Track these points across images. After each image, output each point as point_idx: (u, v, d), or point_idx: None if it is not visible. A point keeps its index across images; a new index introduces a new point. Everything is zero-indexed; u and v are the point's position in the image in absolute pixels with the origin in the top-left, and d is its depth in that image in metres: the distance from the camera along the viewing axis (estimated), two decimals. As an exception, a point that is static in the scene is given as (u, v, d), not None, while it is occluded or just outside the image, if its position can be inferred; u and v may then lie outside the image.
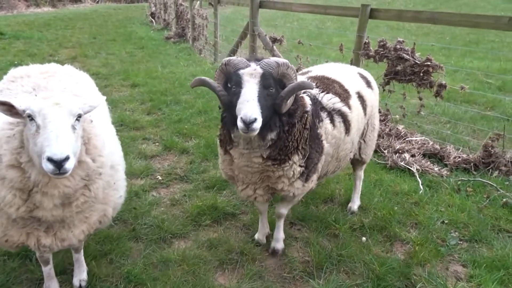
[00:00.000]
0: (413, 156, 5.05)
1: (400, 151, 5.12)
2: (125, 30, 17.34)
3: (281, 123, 2.70)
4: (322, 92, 3.23)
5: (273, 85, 2.60)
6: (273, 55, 7.73)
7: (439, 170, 4.80)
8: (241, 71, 2.58)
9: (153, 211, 3.99)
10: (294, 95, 2.73)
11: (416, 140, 5.37)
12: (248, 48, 8.96)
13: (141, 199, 4.17)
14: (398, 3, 24.36)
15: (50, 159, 1.93)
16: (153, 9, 21.02)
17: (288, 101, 2.67)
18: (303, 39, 7.64)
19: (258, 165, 2.82)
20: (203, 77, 2.73)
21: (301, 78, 3.33)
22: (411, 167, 4.82)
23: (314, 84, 3.21)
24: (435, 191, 4.42)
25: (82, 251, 3.03)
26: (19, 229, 2.38)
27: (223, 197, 4.26)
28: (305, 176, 3.03)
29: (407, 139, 5.41)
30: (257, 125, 2.43)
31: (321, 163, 3.14)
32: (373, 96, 3.79)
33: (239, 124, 2.43)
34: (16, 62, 9.97)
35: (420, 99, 5.54)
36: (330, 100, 3.19)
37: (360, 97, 3.53)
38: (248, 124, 2.39)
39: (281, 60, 2.67)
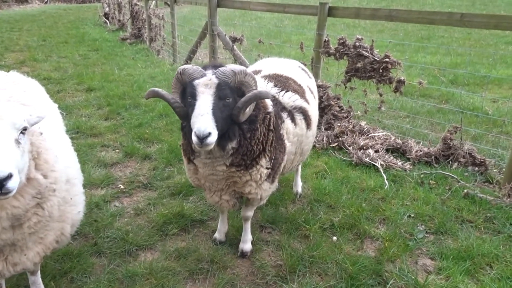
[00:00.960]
0: (376, 151, 5.12)
1: (364, 147, 5.18)
2: (77, 32, 16.61)
3: (241, 132, 2.62)
4: (282, 91, 3.19)
5: (230, 95, 2.50)
6: (234, 55, 7.65)
7: (402, 164, 4.90)
8: (195, 82, 2.47)
9: (116, 222, 3.79)
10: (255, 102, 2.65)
11: (378, 135, 5.46)
12: (208, 48, 8.80)
13: (103, 211, 3.95)
14: (352, 1, 24.94)
15: None
16: (107, 9, 20.28)
17: (247, 110, 2.58)
18: (262, 38, 7.58)
19: (222, 172, 2.76)
20: (156, 89, 2.59)
21: None
22: (376, 162, 4.88)
23: (271, 86, 3.22)
24: (400, 186, 4.49)
25: (38, 273, 2.81)
26: None
27: (190, 203, 4.12)
28: (271, 177, 3.01)
29: (370, 135, 5.48)
30: (212, 139, 2.34)
31: (284, 162, 3.14)
32: (315, 86, 4.01)
33: (193, 138, 2.34)
34: (-43, 68, 9.29)
35: (380, 95, 5.64)
36: (290, 98, 3.20)
37: (309, 90, 3.63)
38: (202, 139, 2.30)
39: (238, 68, 2.55)
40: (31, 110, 2.14)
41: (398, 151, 5.23)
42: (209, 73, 2.53)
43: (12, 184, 1.80)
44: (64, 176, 2.40)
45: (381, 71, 5.29)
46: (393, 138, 5.41)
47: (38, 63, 10.60)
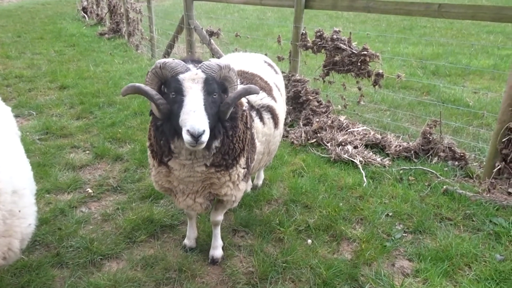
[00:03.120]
0: (355, 147, 5.00)
1: (343, 143, 5.05)
2: (54, 27, 16.12)
3: (224, 129, 2.47)
4: None
5: (217, 91, 2.35)
6: (211, 49, 7.43)
7: (381, 160, 4.78)
8: (181, 76, 2.30)
9: (80, 230, 3.59)
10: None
11: (357, 131, 5.33)
12: (185, 42, 8.56)
13: (68, 217, 3.75)
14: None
15: None
16: (85, 3, 19.75)
17: (233, 107, 2.46)
18: (244, 31, 7.43)
19: (201, 174, 2.59)
20: (137, 84, 2.37)
21: None
22: (354, 159, 4.76)
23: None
24: (378, 183, 4.38)
25: (-12, 291, 2.62)
26: None
27: (160, 207, 3.94)
28: (246, 177, 2.87)
29: (349, 130, 5.35)
30: (206, 137, 2.19)
31: (254, 162, 3.02)
32: (282, 82, 3.89)
33: (186, 137, 2.16)
34: None
35: (359, 88, 5.51)
36: (257, 96, 3.06)
37: (276, 87, 3.51)
38: (197, 137, 2.14)
39: (223, 62, 2.42)
40: None
41: (378, 147, 5.11)
42: (191, 66, 2.39)
43: None
44: (9, 187, 2.21)
45: (359, 64, 5.16)
46: (372, 133, 5.29)
47: (11, 60, 10.21)
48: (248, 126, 2.74)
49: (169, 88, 2.37)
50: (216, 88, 2.37)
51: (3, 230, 2.19)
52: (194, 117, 2.18)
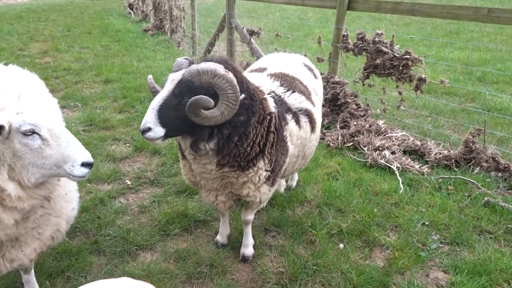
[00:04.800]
0: (393, 153, 4.89)
1: (380, 148, 4.95)
2: (101, 22, 16.76)
3: (220, 134, 2.46)
4: (288, 91, 3.04)
5: (189, 94, 2.32)
6: (251, 48, 7.48)
7: (419, 167, 4.65)
8: (169, 75, 2.43)
9: (118, 220, 3.74)
10: (233, 106, 2.39)
11: (396, 136, 5.21)
12: (226, 41, 8.66)
13: (107, 207, 3.91)
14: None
15: (86, 164, 2.03)
16: (131, 0, 20.40)
17: (210, 114, 2.34)
18: (284, 31, 7.41)
19: (214, 171, 2.64)
20: (149, 76, 2.62)
21: (256, 75, 3.18)
22: (391, 165, 4.66)
23: (277, 85, 3.07)
24: (415, 190, 4.26)
25: (32, 271, 2.77)
26: None
27: (194, 202, 4.03)
28: (271, 180, 2.88)
29: (387, 135, 5.24)
30: (152, 134, 2.29)
31: (286, 165, 3.01)
32: (320, 87, 3.85)
33: None
34: (-18, 58, 9.50)
35: (400, 93, 5.38)
36: (296, 99, 3.06)
37: (315, 91, 3.50)
38: (142, 132, 2.30)
39: (206, 68, 2.31)
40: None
41: (417, 153, 4.97)
42: (184, 68, 2.48)
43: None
44: None
45: (401, 68, 5.03)
46: (411, 139, 5.15)
47: (60, 53, 10.72)
48: (272, 130, 2.70)
49: None
50: (187, 92, 2.33)
51: (57, 210, 2.34)
52: (146, 114, 2.30)
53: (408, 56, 4.91)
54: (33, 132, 1.98)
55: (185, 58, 2.60)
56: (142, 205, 3.99)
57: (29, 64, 9.04)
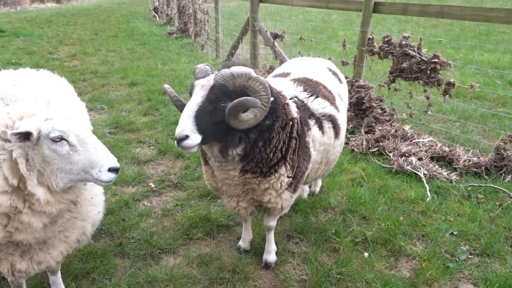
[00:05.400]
0: (420, 159, 4.76)
1: (406, 154, 4.84)
2: (127, 26, 17.10)
3: (247, 139, 2.45)
4: (311, 96, 3.00)
5: (225, 99, 2.34)
6: (274, 52, 7.47)
7: (447, 174, 4.51)
8: (196, 82, 2.41)
9: (142, 222, 3.77)
10: (265, 108, 2.41)
11: (423, 141, 5.08)
12: (249, 44, 8.68)
13: (131, 210, 3.96)
14: (406, -6, 23.77)
15: (112, 169, 2.06)
16: (156, 3, 20.72)
17: (246, 116, 2.36)
18: (307, 33, 7.37)
19: (237, 178, 2.63)
20: (165, 85, 2.60)
21: (280, 80, 3.15)
22: (418, 171, 4.54)
23: (300, 90, 3.05)
24: (443, 199, 4.14)
25: (59, 273, 2.82)
26: None
27: (217, 206, 4.03)
28: (293, 186, 2.85)
29: (414, 140, 5.11)
30: (190, 142, 2.24)
31: (308, 171, 2.97)
32: (345, 92, 3.81)
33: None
34: (13, 61, 9.82)
35: (427, 98, 5.25)
36: (320, 104, 3.03)
37: (340, 97, 3.45)
38: (178, 141, 2.23)
39: (240, 71, 2.35)
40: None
41: (444, 160, 4.83)
42: (211, 74, 2.47)
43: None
44: None
45: (428, 72, 4.91)
46: (439, 145, 5.01)
47: (88, 56, 10.98)
48: (294, 135, 2.67)
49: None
50: (223, 96, 2.34)
51: (83, 213, 2.37)
52: (181, 122, 2.26)
53: (436, 60, 4.79)
54: (61, 138, 2.01)
55: (207, 65, 2.58)
56: (165, 208, 4.02)
57: (58, 67, 9.28)
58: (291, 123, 2.63)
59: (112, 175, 2.08)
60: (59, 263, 2.51)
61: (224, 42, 11.10)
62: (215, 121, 2.32)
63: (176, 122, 6.04)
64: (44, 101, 2.65)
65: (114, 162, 2.08)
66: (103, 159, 2.07)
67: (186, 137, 2.22)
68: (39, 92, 2.70)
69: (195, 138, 2.25)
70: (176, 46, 12.40)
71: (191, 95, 2.41)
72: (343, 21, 16.19)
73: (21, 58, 10.26)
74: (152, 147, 5.40)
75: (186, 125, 2.24)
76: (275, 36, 7.41)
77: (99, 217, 2.65)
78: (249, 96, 2.37)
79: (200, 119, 2.27)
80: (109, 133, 5.76)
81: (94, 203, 2.58)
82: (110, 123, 6.10)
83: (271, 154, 2.55)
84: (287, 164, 2.67)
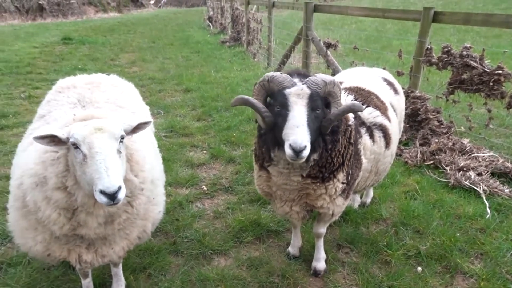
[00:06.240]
0: (479, 174, 4.56)
1: (464, 169, 4.64)
2: (183, 34, 17.78)
3: (324, 143, 2.51)
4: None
5: (320, 106, 2.41)
6: (327, 61, 7.46)
7: (510, 192, 4.28)
8: (287, 91, 2.38)
9: (195, 223, 3.90)
10: None
11: (483, 156, 4.85)
12: (301, 53, 8.73)
13: (185, 210, 4.11)
14: (466, 3, 22.83)
15: (103, 192, 1.91)
16: (211, 13, 21.39)
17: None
18: (360, 43, 7.32)
19: (297, 183, 2.67)
20: (246, 97, 2.51)
21: None
22: (477, 187, 4.34)
23: (351, 99, 3.08)
24: (505, 217, 3.93)
25: (120, 265, 3.00)
26: (62, 246, 2.38)
27: (267, 212, 4.09)
28: (346, 193, 2.86)
29: (472, 155, 4.90)
30: (306, 152, 2.26)
31: (359, 179, 2.98)
32: (401, 103, 3.74)
33: (288, 151, 2.26)
34: (79, 66, 10.52)
35: (489, 110, 5.02)
36: (371, 114, 3.04)
37: (392, 107, 3.41)
38: (298, 152, 2.22)
39: (329, 78, 2.46)
40: (124, 118, 2.30)
41: (507, 176, 4.58)
42: (297, 81, 2.46)
43: (122, 195, 1.96)
44: (150, 176, 2.52)
45: (491, 84, 4.70)
46: (501, 160, 4.76)
47: (146, 63, 11.54)
48: (352, 141, 2.71)
49: (275, 101, 2.46)
50: (320, 103, 2.41)
51: (142, 213, 2.51)
52: (297, 133, 2.25)
53: (500, 72, 4.58)
54: (76, 146, 2.03)
55: (284, 73, 2.55)
56: (217, 211, 4.13)
57: (119, 73, 9.76)
58: (349, 128, 2.66)
59: (103, 199, 1.93)
60: (121, 258, 2.66)
61: (276, 51, 11.24)
62: (314, 129, 2.37)
63: (227, 128, 6.24)
64: (115, 104, 2.86)
65: (107, 186, 1.91)
66: (99, 178, 1.94)
67: (305, 147, 2.24)
68: (110, 96, 2.91)
69: (309, 148, 2.28)
70: (229, 55, 12.71)
71: (280, 104, 2.40)
72: (398, 30, 15.82)
73: (86, 64, 10.97)
74: (205, 151, 5.57)
75: (304, 135, 2.25)
76: (329, 46, 7.40)
77: (160, 216, 2.78)
78: (330, 101, 2.50)
79: (309, 128, 2.30)
80: (165, 137, 6.02)
81: (156, 203, 2.70)
82: (166, 127, 6.37)
83: (335, 159, 2.59)
84: (344, 170, 2.68)
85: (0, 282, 3.08)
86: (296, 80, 2.46)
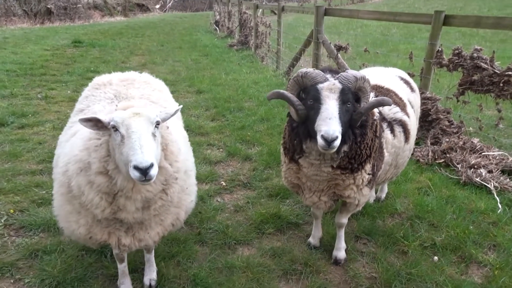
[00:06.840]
0: (490, 172, 4.71)
1: (475, 166, 4.80)
2: (190, 38, 18.00)
3: (353, 136, 2.68)
4: None
5: (351, 100, 2.58)
6: (338, 63, 7.63)
7: (520, 188, 4.43)
8: (319, 86, 2.57)
9: (217, 216, 4.06)
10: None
11: (493, 155, 5.00)
12: (311, 55, 8.91)
13: (206, 204, 4.27)
14: (471, 8, 23.03)
15: (136, 167, 2.04)
16: (218, 17, 21.65)
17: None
18: (367, 47, 7.46)
19: (327, 174, 2.82)
20: (281, 91, 2.70)
21: None
22: (488, 183, 4.49)
23: (372, 96, 3.22)
24: (515, 212, 4.08)
25: (153, 252, 3.16)
26: (103, 229, 2.54)
27: (286, 206, 4.25)
28: (371, 183, 3.01)
29: (483, 153, 5.05)
30: (338, 142, 2.42)
31: (381, 171, 3.14)
32: (417, 100, 3.93)
33: (320, 141, 2.43)
34: (92, 68, 10.73)
35: (499, 111, 5.17)
36: (391, 110, 3.22)
37: (410, 104, 3.60)
38: (330, 142, 2.39)
39: (359, 74, 2.64)
40: (160, 107, 2.46)
41: (516, 174, 4.74)
42: (329, 77, 2.63)
43: (154, 172, 2.10)
44: (183, 167, 2.68)
45: (501, 85, 4.86)
46: (510, 159, 4.91)
47: (157, 66, 11.74)
48: (377, 134, 2.89)
49: (308, 95, 2.64)
50: (351, 97, 2.59)
51: (176, 202, 2.67)
52: (329, 124, 2.42)
53: (510, 73, 4.74)
54: (116, 128, 2.19)
55: (315, 70, 2.73)
56: (237, 205, 4.29)
57: (131, 74, 10.02)
58: (375, 122, 2.82)
59: (136, 174, 2.05)
60: (155, 243, 2.82)
61: (284, 54, 11.43)
62: (345, 121, 2.54)
63: (241, 128, 6.41)
64: (148, 99, 3.03)
65: (140, 162, 2.03)
66: (133, 155, 2.07)
67: (336, 137, 2.39)
68: (144, 92, 3.09)
69: (340, 138, 2.43)
70: (237, 58, 12.91)
71: (313, 98, 2.57)
72: (404, 34, 16.01)
73: (98, 66, 11.18)
74: (221, 150, 5.74)
75: (336, 126, 2.41)
76: (339, 48, 7.59)
77: (192, 205, 2.94)
78: (360, 96, 2.66)
79: (341, 120, 2.47)
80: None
81: (189, 192, 2.86)
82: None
83: (364, 151, 2.74)
84: (370, 161, 2.84)
85: (37, 268, 3.24)
86: (328, 75, 2.63)
